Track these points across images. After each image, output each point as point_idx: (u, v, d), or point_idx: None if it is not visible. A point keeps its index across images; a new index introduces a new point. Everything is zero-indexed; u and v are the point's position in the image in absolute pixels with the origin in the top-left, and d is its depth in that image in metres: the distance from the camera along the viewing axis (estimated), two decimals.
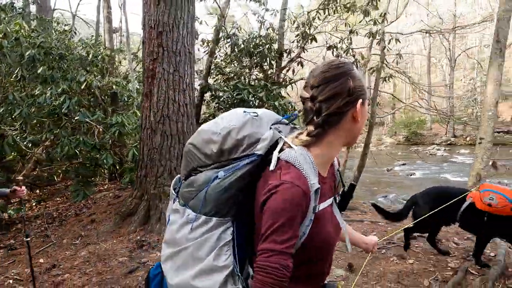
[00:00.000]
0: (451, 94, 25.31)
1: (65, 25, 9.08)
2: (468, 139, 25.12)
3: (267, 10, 6.99)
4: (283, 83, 6.67)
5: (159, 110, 4.55)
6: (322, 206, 0.93)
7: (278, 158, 0.90)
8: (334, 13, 5.84)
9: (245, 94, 5.17)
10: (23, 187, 2.49)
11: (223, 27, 6.39)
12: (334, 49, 5.95)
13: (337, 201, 1.06)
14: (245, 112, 1.00)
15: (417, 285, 2.85)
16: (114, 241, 4.06)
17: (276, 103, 5.25)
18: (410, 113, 27.71)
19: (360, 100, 0.91)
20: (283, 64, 6.88)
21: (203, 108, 6.41)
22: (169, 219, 1.04)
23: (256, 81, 6.35)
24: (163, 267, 1.00)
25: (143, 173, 4.60)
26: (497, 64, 6.16)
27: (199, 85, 6.19)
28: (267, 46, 6.05)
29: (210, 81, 6.57)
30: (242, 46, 5.85)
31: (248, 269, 0.98)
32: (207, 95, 6.41)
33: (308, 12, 6.26)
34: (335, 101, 0.89)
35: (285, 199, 0.82)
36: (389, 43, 6.10)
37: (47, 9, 10.75)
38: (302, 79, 7.37)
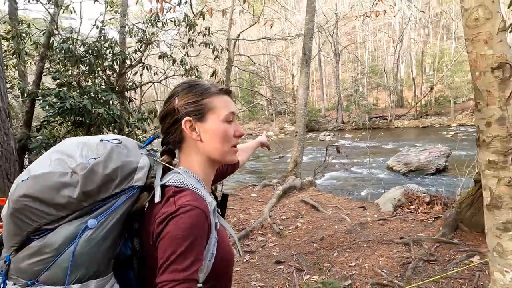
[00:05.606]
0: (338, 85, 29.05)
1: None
2: (353, 124, 28.91)
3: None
4: (127, 88, 7.06)
5: None
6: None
7: (164, 186, 0.83)
8: (163, 26, 6.43)
9: (68, 102, 5.39)
10: None
11: (55, 31, 6.43)
12: (165, 58, 6.57)
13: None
14: (102, 140, 0.86)
15: None
16: None
17: (101, 110, 5.57)
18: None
19: (187, 118, 0.87)
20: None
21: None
22: None
23: (100, 87, 6.58)
24: None
25: None
26: (305, 72, 7.55)
27: (28, 91, 6.19)
28: (100, 52, 6.28)
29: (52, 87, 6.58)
30: (71, 53, 6.01)
31: None
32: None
33: (146, 21, 6.73)
34: (166, 121, 0.90)
35: (185, 223, 0.74)
36: (221, 51, 7.01)
37: None
38: (150, 82, 7.86)
